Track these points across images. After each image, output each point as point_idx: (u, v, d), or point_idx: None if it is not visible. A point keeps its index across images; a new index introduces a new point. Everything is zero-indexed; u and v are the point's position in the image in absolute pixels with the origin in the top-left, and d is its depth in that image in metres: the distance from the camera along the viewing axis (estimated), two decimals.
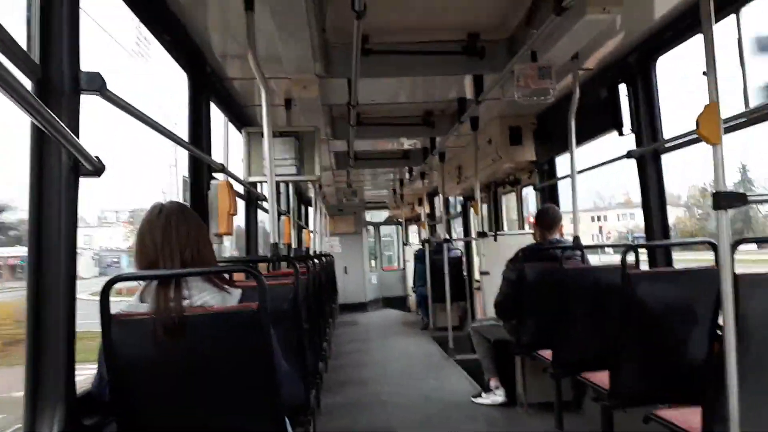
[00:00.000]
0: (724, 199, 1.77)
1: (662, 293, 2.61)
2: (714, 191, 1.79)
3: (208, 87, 3.49)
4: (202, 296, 1.71)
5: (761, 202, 1.88)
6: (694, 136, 2.86)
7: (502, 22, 3.43)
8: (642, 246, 3.44)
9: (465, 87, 4.44)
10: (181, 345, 1.61)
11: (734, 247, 1.86)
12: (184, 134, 3.23)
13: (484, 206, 7.93)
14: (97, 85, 1.75)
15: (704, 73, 1.85)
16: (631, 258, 2.59)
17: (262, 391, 1.72)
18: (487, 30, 3.52)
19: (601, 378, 2.84)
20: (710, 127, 1.76)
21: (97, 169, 1.68)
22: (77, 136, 1.64)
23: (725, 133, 1.87)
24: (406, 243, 14.14)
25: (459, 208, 10.11)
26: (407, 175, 8.92)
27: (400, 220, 14.02)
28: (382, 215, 14.80)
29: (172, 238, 1.76)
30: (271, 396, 1.74)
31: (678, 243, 3.68)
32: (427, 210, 10.32)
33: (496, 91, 3.79)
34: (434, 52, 3.58)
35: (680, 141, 3.19)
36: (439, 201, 8.70)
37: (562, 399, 3.62)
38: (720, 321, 1.91)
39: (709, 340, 2.07)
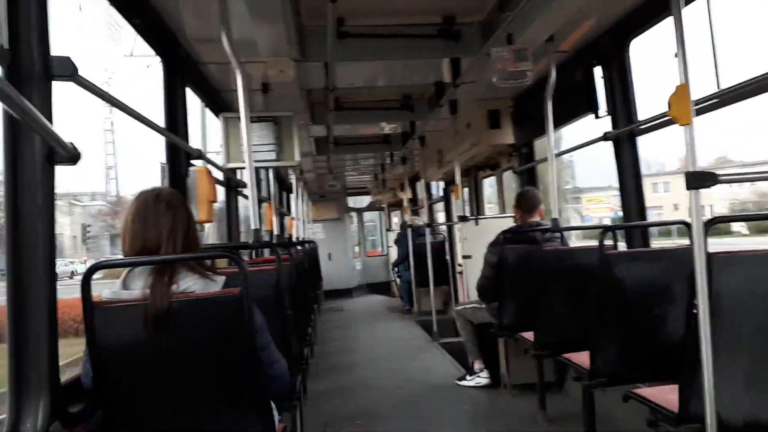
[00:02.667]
0: (695, 179, 1.79)
1: (639, 273, 2.65)
2: (686, 171, 1.81)
3: (183, 72, 3.44)
4: (185, 282, 1.71)
5: (731, 181, 1.91)
6: (668, 117, 2.90)
7: (476, 4, 3.42)
8: (619, 227, 3.49)
9: (442, 70, 4.43)
10: (166, 332, 1.61)
11: (708, 226, 1.89)
12: (160, 120, 3.18)
13: (465, 190, 7.96)
14: (69, 70, 1.72)
15: (675, 55, 1.86)
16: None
17: (247, 377, 1.73)
18: (462, 13, 3.51)
19: (582, 358, 2.88)
20: (681, 108, 1.78)
21: (72, 156, 1.65)
22: (51, 122, 1.61)
23: (697, 114, 1.90)
24: (389, 229, 14.16)
25: (441, 193, 10.14)
26: (388, 160, 8.91)
27: (383, 205, 14.01)
28: (364, 201, 14.79)
29: (178, 225, 1.77)
30: (256, 382, 1.75)
31: (653, 224, 3.73)
32: (409, 195, 10.34)
33: (473, 74, 3.78)
34: (410, 35, 3.56)
35: (655, 123, 3.22)
36: (420, 186, 8.69)
37: (544, 380, 3.69)
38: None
39: (686, 318, 2.11)
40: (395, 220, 14.11)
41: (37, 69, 1.62)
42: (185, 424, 1.71)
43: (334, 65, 3.56)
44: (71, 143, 1.62)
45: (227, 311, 1.66)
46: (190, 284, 1.71)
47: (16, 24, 1.60)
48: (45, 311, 1.59)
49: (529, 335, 3.60)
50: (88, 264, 1.91)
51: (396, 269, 10.32)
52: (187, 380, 1.69)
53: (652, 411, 2.24)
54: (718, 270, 1.91)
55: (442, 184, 9.73)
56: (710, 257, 1.88)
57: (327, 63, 3.61)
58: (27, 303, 1.57)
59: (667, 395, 2.20)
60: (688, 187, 1.84)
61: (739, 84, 2.51)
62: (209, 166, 3.55)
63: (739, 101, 2.61)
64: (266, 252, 5.23)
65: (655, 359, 2.58)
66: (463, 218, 5.73)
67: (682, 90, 1.81)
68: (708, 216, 1.93)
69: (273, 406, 2.02)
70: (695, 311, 1.90)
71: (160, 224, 1.75)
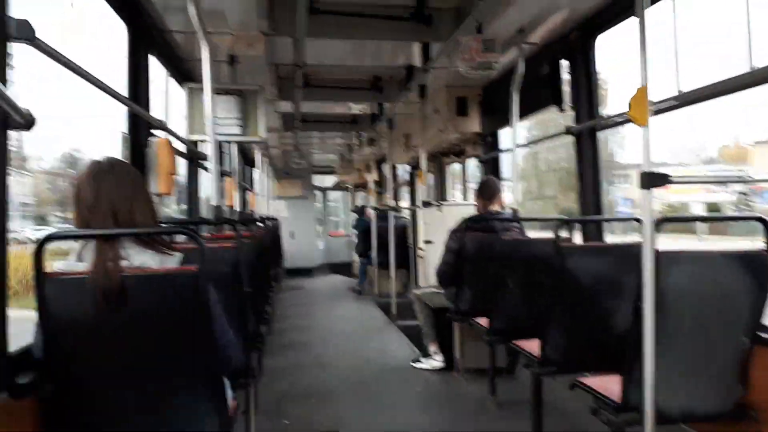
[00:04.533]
0: (649, 179, 1.85)
1: (592, 266, 2.72)
2: (641, 171, 1.87)
3: (148, 39, 3.35)
4: (140, 257, 1.67)
5: (682, 182, 1.98)
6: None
7: None
8: (574, 221, 3.58)
9: (413, 54, 4.43)
10: (118, 306, 1.58)
11: (658, 224, 1.96)
12: (122, 88, 3.10)
13: (431, 176, 8.01)
14: (28, 33, 1.66)
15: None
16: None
17: (201, 354, 1.72)
18: None
19: (533, 346, 2.95)
20: (639, 110, 1.82)
21: (27, 122, 1.60)
22: (5, 86, 1.56)
23: (655, 114, 1.95)
24: (353, 210, 14.16)
25: (407, 177, 10.16)
26: (356, 141, 8.88)
27: (348, 186, 13.97)
28: (329, 180, 14.72)
29: (102, 198, 1.69)
30: (210, 361, 1.74)
31: (609, 219, 3.83)
32: (375, 177, 10.33)
33: (443, 60, 3.80)
34: (382, 16, 3.54)
35: (615, 120, 3.30)
36: (386, 168, 8.69)
37: (496, 365, 3.77)
38: None
39: (633, 312, 2.20)
40: (359, 201, 14.12)
41: None
42: (137, 398, 1.70)
43: (305, 41, 3.51)
44: (27, 109, 1.58)
45: (182, 289, 1.64)
46: (145, 259, 1.68)
47: None
48: None
49: (483, 321, 3.67)
50: None
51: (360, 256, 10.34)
52: (139, 355, 1.67)
53: (595, 399, 2.32)
54: (664, 267, 1.98)
55: (408, 167, 9.76)
56: (658, 255, 1.95)
57: (297, 38, 3.56)
58: None
59: (610, 385, 2.28)
60: (642, 187, 1.90)
61: (698, 88, 2.59)
62: (171, 138, 3.49)
63: (696, 103, 2.70)
64: (228, 228, 5.17)
65: (602, 350, 2.66)
66: (426, 204, 5.78)
67: (642, 92, 1.85)
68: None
69: (227, 383, 2.02)
70: (641, 306, 1.97)
71: (86, 198, 1.69)
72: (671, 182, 1.88)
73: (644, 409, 1.91)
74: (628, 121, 3.10)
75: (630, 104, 1.85)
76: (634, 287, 2.18)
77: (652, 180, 1.84)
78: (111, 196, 1.70)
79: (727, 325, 2.15)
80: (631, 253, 2.59)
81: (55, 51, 1.89)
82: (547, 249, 2.82)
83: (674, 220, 2.49)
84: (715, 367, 2.18)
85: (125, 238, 1.68)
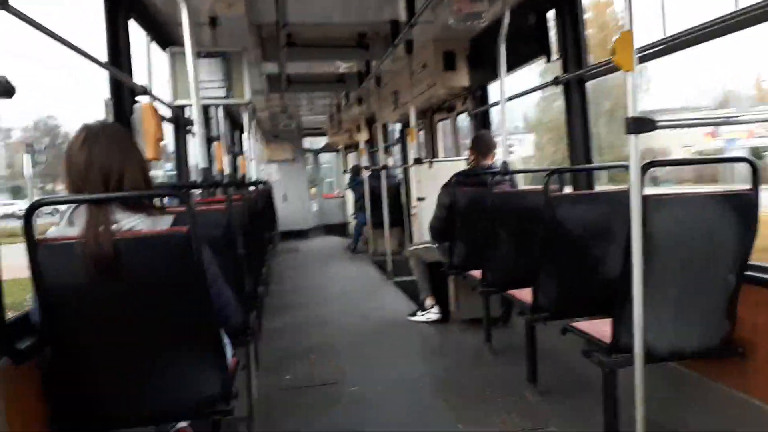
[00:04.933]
0: (635, 124, 1.86)
1: (582, 214, 2.75)
2: (626, 117, 1.87)
3: (126, 3, 3.27)
4: (131, 221, 1.67)
5: (668, 127, 1.98)
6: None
7: None
8: (564, 170, 3.59)
9: (399, 8, 4.35)
10: (111, 269, 1.58)
11: (644, 169, 1.98)
12: (103, 55, 3.05)
13: (421, 133, 7.97)
14: None
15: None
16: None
17: (197, 315, 1.74)
18: None
19: (526, 295, 3.00)
20: (625, 55, 1.81)
21: (6, 90, 1.58)
22: None
23: (641, 61, 1.95)
24: (345, 170, 14.12)
25: (397, 135, 10.10)
26: (344, 101, 8.79)
27: (339, 147, 13.90)
28: (320, 142, 14.63)
29: (94, 163, 1.67)
30: (207, 320, 1.76)
31: (597, 167, 3.83)
32: (366, 137, 10.27)
33: (428, 14, 3.73)
34: None
35: (603, 68, 3.28)
36: (377, 127, 8.64)
37: (490, 315, 3.85)
38: None
39: (623, 257, 2.24)
40: (351, 162, 14.07)
41: None
42: (136, 360, 1.72)
43: None
44: (4, 77, 1.56)
45: (174, 250, 1.64)
46: (136, 223, 1.68)
47: None
48: None
49: (477, 273, 3.73)
50: None
51: (354, 214, 10.41)
52: (136, 317, 1.68)
53: (587, 342, 2.38)
54: (652, 211, 2.01)
55: (399, 126, 9.69)
56: (645, 199, 1.98)
57: None
58: None
59: (601, 328, 2.34)
60: (628, 132, 1.90)
61: (683, 32, 2.56)
62: (156, 103, 3.45)
63: (684, 49, 2.67)
64: (219, 192, 5.17)
65: (593, 295, 2.71)
66: (417, 161, 5.77)
67: (626, 37, 1.83)
68: None
69: (227, 342, 2.05)
70: (630, 250, 2.01)
71: (78, 164, 1.67)
72: (657, 127, 1.89)
73: (635, 349, 1.97)
74: (615, 68, 3.09)
75: (614, 50, 1.84)
76: (622, 233, 2.22)
77: (639, 125, 1.85)
78: (102, 159, 1.67)
79: (715, 264, 2.19)
80: (620, 199, 2.62)
81: (30, 17, 1.85)
82: (537, 200, 2.85)
83: (660, 164, 2.51)
84: (702, 305, 2.23)
85: (114, 202, 1.67)
